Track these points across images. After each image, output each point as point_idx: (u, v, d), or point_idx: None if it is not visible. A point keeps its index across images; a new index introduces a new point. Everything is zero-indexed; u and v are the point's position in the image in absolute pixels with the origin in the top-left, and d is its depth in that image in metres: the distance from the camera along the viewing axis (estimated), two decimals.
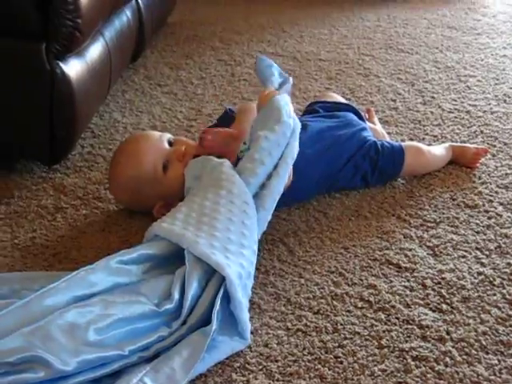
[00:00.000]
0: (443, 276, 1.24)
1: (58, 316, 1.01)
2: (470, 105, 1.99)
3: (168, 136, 1.44)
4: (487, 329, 1.11)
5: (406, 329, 1.11)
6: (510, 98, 2.04)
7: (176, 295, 1.08)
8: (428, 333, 1.10)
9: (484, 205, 1.47)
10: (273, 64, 1.49)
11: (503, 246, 1.33)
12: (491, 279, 1.23)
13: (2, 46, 1.50)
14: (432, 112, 1.95)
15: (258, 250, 1.30)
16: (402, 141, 1.75)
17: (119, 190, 1.44)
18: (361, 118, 1.65)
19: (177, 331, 1.05)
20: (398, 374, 1.02)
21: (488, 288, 1.21)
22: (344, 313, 1.16)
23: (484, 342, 1.08)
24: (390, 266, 1.28)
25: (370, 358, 1.06)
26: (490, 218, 1.42)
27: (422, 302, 1.18)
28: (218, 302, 1.06)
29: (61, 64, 1.50)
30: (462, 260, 1.29)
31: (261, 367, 1.04)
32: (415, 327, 1.12)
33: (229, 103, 2.04)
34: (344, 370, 1.03)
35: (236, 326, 1.08)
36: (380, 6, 3.14)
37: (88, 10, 1.52)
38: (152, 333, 1.04)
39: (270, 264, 1.29)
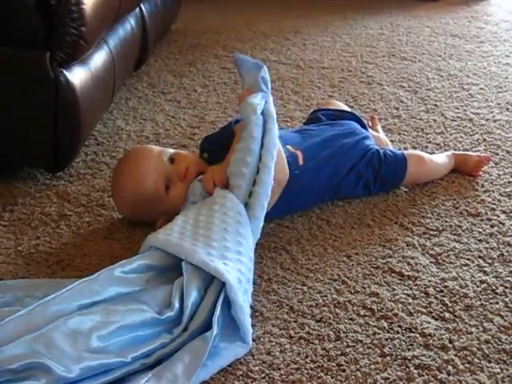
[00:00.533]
0: (446, 284, 1.24)
1: (61, 323, 1.02)
2: (472, 113, 2.00)
3: (168, 153, 1.41)
4: (490, 337, 1.11)
5: (409, 337, 1.11)
6: None
7: (176, 304, 1.08)
8: (430, 341, 1.10)
9: (487, 213, 1.47)
10: (246, 59, 1.44)
11: (506, 254, 1.33)
12: (494, 287, 1.23)
13: (6, 55, 1.51)
14: (435, 120, 1.96)
15: (261, 257, 1.31)
16: (405, 149, 1.75)
17: (120, 205, 1.45)
18: (363, 125, 1.65)
19: (178, 337, 1.06)
20: (401, 383, 1.02)
21: (490, 296, 1.21)
22: (346, 321, 1.16)
23: (486, 351, 1.08)
24: (393, 274, 1.28)
25: (373, 366, 1.06)
26: (492, 227, 1.43)
27: (424, 311, 1.18)
28: (219, 308, 1.07)
29: (65, 72, 1.51)
30: (465, 268, 1.29)
31: (263, 375, 1.04)
32: (418, 335, 1.12)
33: (232, 111, 2.05)
34: (346, 378, 1.03)
35: (237, 332, 1.09)
36: (383, 14, 3.15)
37: (92, 19, 1.52)
38: (154, 340, 1.04)
39: (273, 272, 1.29)
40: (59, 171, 1.66)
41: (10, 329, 1.01)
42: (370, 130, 1.70)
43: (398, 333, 1.12)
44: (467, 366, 1.05)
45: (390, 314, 1.17)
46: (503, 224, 1.43)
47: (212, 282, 1.11)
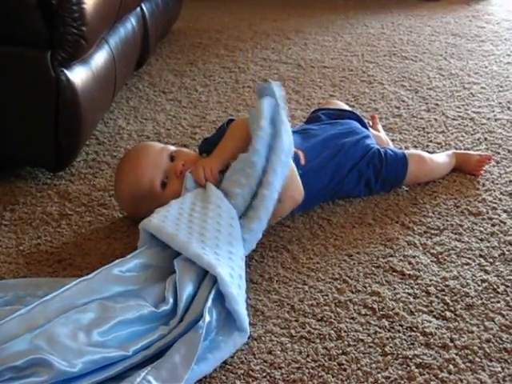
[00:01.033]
0: (447, 283, 1.24)
1: (61, 320, 1.03)
2: (473, 112, 2.00)
3: (170, 150, 1.42)
4: (491, 336, 1.11)
5: (410, 336, 1.11)
6: None
7: (170, 298, 1.10)
8: (432, 340, 1.10)
9: (488, 212, 1.47)
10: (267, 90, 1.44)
11: (507, 253, 1.33)
12: (495, 286, 1.23)
13: (7, 54, 1.51)
14: (436, 119, 1.96)
15: (262, 257, 1.31)
16: (406, 148, 1.75)
17: (121, 203, 1.47)
18: (364, 125, 1.65)
19: (175, 328, 1.07)
20: (402, 382, 1.02)
21: (492, 295, 1.21)
22: (348, 320, 1.16)
23: (488, 350, 1.08)
24: (394, 273, 1.28)
25: (374, 365, 1.06)
26: (493, 226, 1.42)
27: (425, 310, 1.18)
28: (210, 300, 1.08)
29: (66, 71, 1.51)
30: (466, 267, 1.29)
31: (264, 374, 1.05)
32: (419, 334, 1.12)
33: (233, 110, 2.05)
34: (348, 378, 1.03)
35: (234, 324, 1.09)
36: (384, 14, 3.15)
37: (93, 18, 1.52)
38: (152, 332, 1.06)
39: (274, 271, 1.29)
40: (60, 171, 1.66)
41: (10, 328, 1.02)
42: (370, 129, 1.70)
43: (399, 332, 1.12)
44: (468, 364, 1.05)
45: (391, 313, 1.17)
46: (504, 223, 1.43)
47: (205, 278, 1.13)
